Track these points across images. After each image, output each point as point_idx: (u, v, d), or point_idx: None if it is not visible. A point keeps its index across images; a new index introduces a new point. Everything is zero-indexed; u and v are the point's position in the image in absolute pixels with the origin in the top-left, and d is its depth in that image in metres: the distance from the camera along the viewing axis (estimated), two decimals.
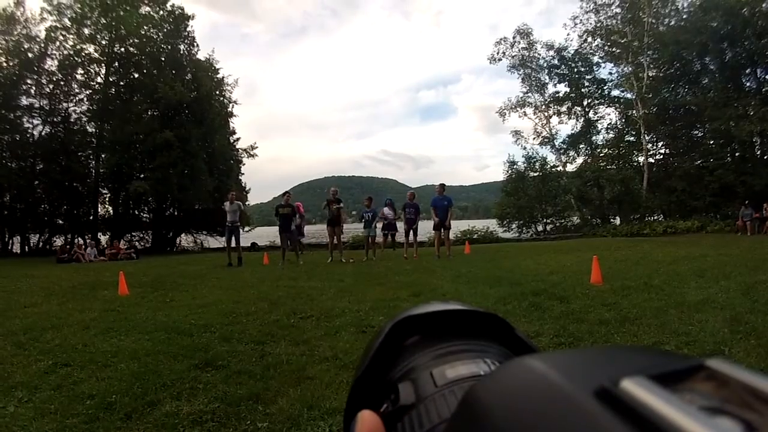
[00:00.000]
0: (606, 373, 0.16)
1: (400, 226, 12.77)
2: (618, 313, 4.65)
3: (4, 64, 23.17)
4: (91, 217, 24.37)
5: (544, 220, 27.10)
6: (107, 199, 24.99)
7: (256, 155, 27.75)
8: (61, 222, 24.43)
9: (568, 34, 28.54)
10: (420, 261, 11.08)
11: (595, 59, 27.24)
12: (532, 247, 15.02)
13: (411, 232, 12.38)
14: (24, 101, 23.67)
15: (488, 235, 22.07)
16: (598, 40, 26.37)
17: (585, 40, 26.76)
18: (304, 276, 8.79)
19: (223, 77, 26.30)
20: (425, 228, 13.29)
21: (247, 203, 27.17)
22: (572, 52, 27.27)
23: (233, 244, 11.80)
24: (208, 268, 11.13)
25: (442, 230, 12.06)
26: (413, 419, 0.23)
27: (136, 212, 25.12)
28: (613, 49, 25.81)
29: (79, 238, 23.27)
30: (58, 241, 23.44)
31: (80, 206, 24.55)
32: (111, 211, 24.83)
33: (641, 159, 25.69)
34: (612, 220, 25.74)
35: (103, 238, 22.88)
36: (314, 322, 4.94)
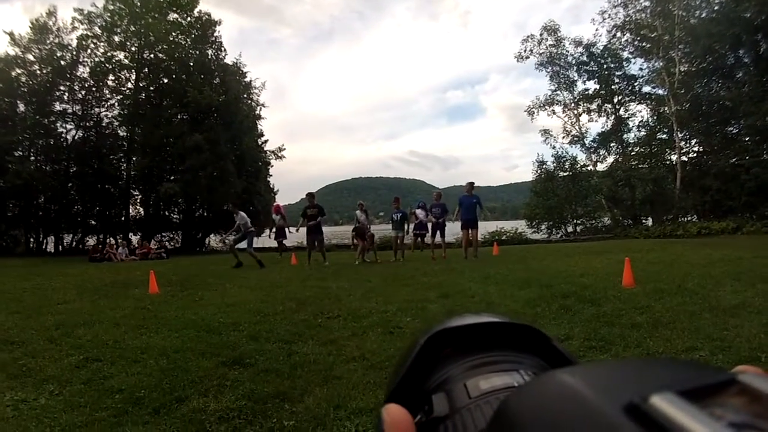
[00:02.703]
0: (636, 388, 0.16)
1: (429, 227, 12.71)
2: (650, 317, 4.50)
3: (39, 72, 24.04)
4: (123, 218, 24.98)
5: (574, 221, 26.48)
6: (138, 201, 25.58)
7: (284, 157, 28.01)
8: (93, 222, 25.12)
9: (596, 30, 27.80)
10: (448, 262, 10.94)
11: (625, 55, 26.40)
12: (562, 249, 14.69)
13: (438, 232, 12.28)
14: (58, 107, 24.52)
15: (517, 236, 21.72)
16: (628, 34, 25.59)
17: (614, 35, 26.00)
18: (331, 276, 8.79)
19: (250, 81, 26.62)
20: (453, 229, 13.15)
21: (275, 204, 27.68)
22: (601, 47, 26.51)
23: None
24: (237, 269, 11.22)
25: (470, 230, 11.91)
26: (447, 430, 0.24)
27: (167, 213, 25.61)
28: (643, 44, 25.04)
29: (111, 238, 23.89)
30: (91, 241, 24.12)
31: (112, 207, 25.22)
32: (142, 212, 25.39)
33: (674, 157, 24.85)
34: (644, 221, 24.99)
35: (134, 238, 23.41)
36: (341, 322, 4.93)
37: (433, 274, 8.63)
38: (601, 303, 5.22)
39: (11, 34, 23.65)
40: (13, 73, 23.89)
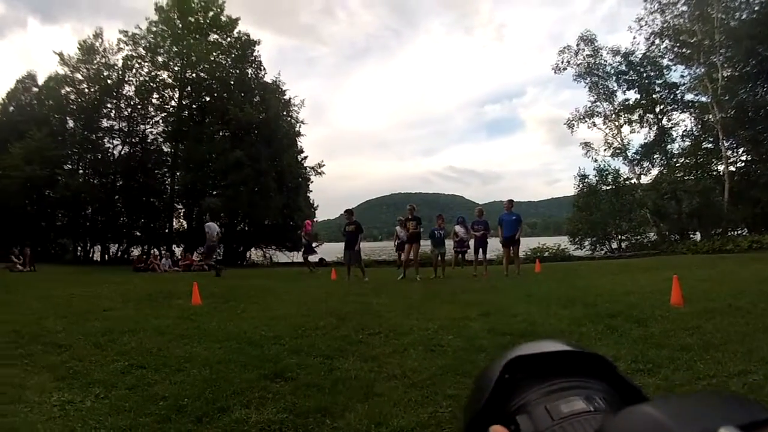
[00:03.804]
0: (707, 421, 0.19)
1: (471, 243, 12.52)
2: (701, 338, 4.30)
3: (87, 90, 25.41)
4: (167, 230, 25.76)
5: (619, 237, 25.59)
6: (182, 214, 26.31)
7: (324, 173, 28.05)
8: (138, 234, 25.99)
9: (634, 38, 26.83)
10: (489, 279, 10.77)
11: (665, 62, 25.44)
12: (607, 266, 14.25)
13: (480, 249, 12.10)
14: (105, 123, 25.82)
15: (560, 253, 21.18)
16: (666, 41, 24.73)
17: (652, 43, 25.11)
18: (371, 292, 8.76)
19: (290, 98, 27.03)
20: (493, 245, 12.92)
21: (315, 220, 28.16)
22: (640, 56, 25.65)
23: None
24: (278, 282, 11.34)
25: (512, 247, 11.73)
26: None
27: None
28: (683, 50, 24.13)
29: (155, 249, 24.63)
30: (135, 252, 24.90)
31: (156, 220, 26.08)
32: (185, 225, 26.04)
33: (721, 168, 23.76)
34: (691, 235, 23.93)
35: (177, 250, 24.10)
36: (382, 339, 4.90)
37: (474, 291, 8.49)
38: (649, 323, 5.02)
39: (61, 55, 25.18)
40: (63, 91, 25.38)
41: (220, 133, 24.33)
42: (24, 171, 21.43)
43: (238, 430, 2.84)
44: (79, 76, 25.48)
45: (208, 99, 25.61)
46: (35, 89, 26.59)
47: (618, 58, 26.30)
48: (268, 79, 26.57)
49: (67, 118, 25.83)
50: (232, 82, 25.51)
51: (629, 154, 26.31)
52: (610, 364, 0.33)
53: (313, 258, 16.06)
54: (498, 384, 0.32)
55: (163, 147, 26.39)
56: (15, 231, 21.74)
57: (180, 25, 25.22)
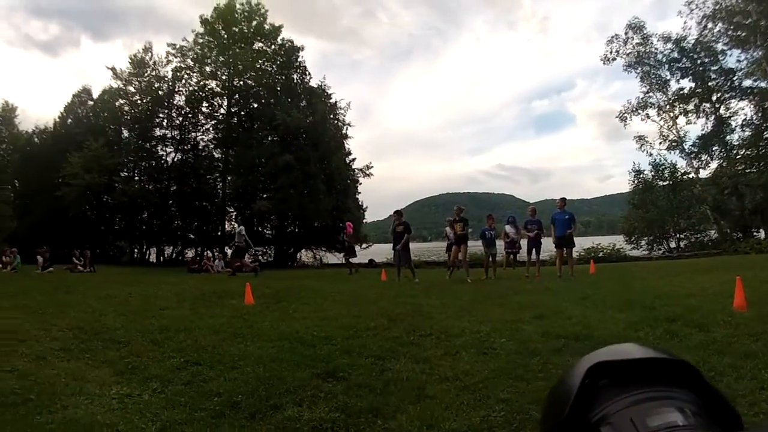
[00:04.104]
0: None
1: (522, 243, 12.28)
2: (766, 345, 4.03)
3: (139, 102, 26.80)
4: (219, 233, 26.60)
5: (677, 236, 24.50)
6: (233, 217, 27.09)
7: (372, 174, 28.35)
8: (191, 236, 27.07)
9: (685, 23, 25.04)
10: (541, 281, 10.45)
11: (719, 47, 23.94)
12: (665, 267, 13.64)
13: (533, 250, 11.78)
14: (158, 132, 27.21)
15: (615, 253, 20.40)
16: (720, 24, 23.27)
17: (705, 27, 23.71)
18: (422, 293, 8.68)
19: (335, 102, 27.44)
20: (546, 246, 12.54)
21: (364, 221, 28.74)
22: (692, 41, 24.28)
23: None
24: (328, 283, 11.41)
25: (565, 248, 11.40)
26: None
27: (260, 229, 26.76)
28: (738, 33, 22.67)
29: (208, 251, 25.51)
30: (189, 253, 25.92)
31: (209, 223, 27.05)
32: (236, 227, 26.95)
33: None
34: (755, 233, 22.55)
35: (229, 252, 24.91)
36: (434, 341, 4.84)
37: (527, 293, 8.28)
38: (710, 328, 4.75)
39: (113, 69, 26.72)
40: (117, 103, 26.91)
41: (269, 138, 24.98)
42: (83, 179, 22.82)
43: (290, 427, 2.87)
44: (131, 88, 26.92)
45: (255, 105, 26.35)
46: (91, 102, 28.27)
47: (669, 45, 24.98)
48: (313, 83, 27.14)
49: (122, 128, 27.34)
50: (278, 88, 26.13)
51: (686, 147, 24.92)
52: (697, 372, 0.31)
53: (354, 260, 16.20)
54: (580, 392, 0.30)
55: (214, 153, 27.41)
56: (76, 235, 23.12)
57: (225, 36, 26.09)
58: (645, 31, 25.24)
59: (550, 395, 0.33)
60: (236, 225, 15.23)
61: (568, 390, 0.31)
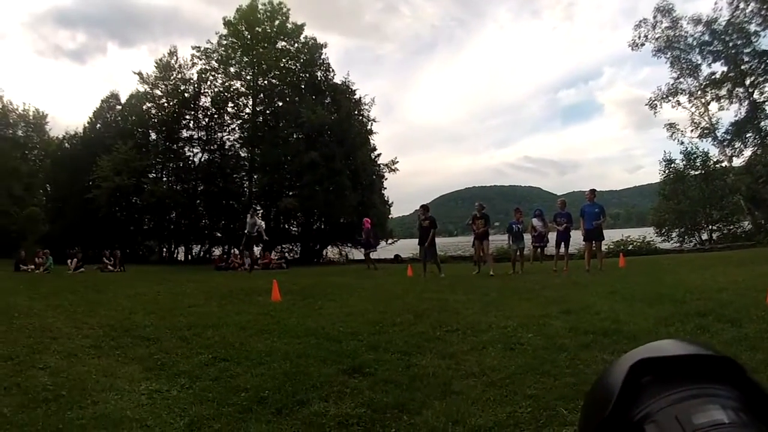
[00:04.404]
0: None
1: (550, 237, 12.12)
2: None
3: (166, 104, 27.29)
4: (246, 230, 27.02)
5: (709, 227, 23.78)
6: (260, 215, 27.54)
7: (397, 170, 28.16)
8: (219, 235, 27.38)
9: (715, 3, 23.97)
10: (569, 275, 10.28)
11: (753, 27, 22.85)
12: (697, 259, 13.29)
13: (562, 243, 11.60)
14: (185, 134, 27.67)
15: (645, 246, 19.93)
16: (752, 3, 22.30)
17: (737, 7, 22.72)
18: (447, 289, 8.67)
19: (360, 98, 27.33)
20: (575, 239, 12.33)
21: (389, 216, 28.88)
22: (723, 23, 23.31)
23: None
24: (354, 279, 11.47)
25: (594, 241, 11.20)
26: None
27: (286, 226, 27.07)
28: None
29: (235, 249, 25.88)
30: (216, 251, 26.30)
31: (236, 221, 27.26)
32: (263, 225, 27.28)
33: None
34: None
35: (256, 249, 25.24)
36: (460, 336, 4.82)
37: (554, 287, 8.16)
38: (743, 323, 4.63)
39: (140, 74, 27.26)
40: (144, 107, 27.46)
41: (294, 136, 25.09)
42: (113, 181, 23.41)
43: (316, 422, 2.89)
44: (158, 92, 27.40)
45: (280, 104, 26.53)
46: (119, 107, 28.96)
47: (700, 28, 24.00)
48: (337, 80, 27.12)
49: (150, 131, 27.88)
50: (302, 86, 26.27)
51: (719, 135, 24.05)
52: (741, 368, 0.30)
53: (374, 254, 16.25)
54: (624, 389, 0.30)
55: (240, 152, 27.71)
56: (106, 235, 23.70)
57: (248, 36, 26.31)
58: (674, 14, 24.36)
59: (591, 393, 0.32)
60: (249, 216, 15.21)
61: (611, 388, 0.30)
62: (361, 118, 27.07)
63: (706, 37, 23.88)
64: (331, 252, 27.12)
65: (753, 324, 4.56)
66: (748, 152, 23.68)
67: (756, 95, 23.33)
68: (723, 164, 24.07)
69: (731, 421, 0.27)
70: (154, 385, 3.57)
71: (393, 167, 27.83)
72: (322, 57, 26.91)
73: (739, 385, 0.29)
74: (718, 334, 4.34)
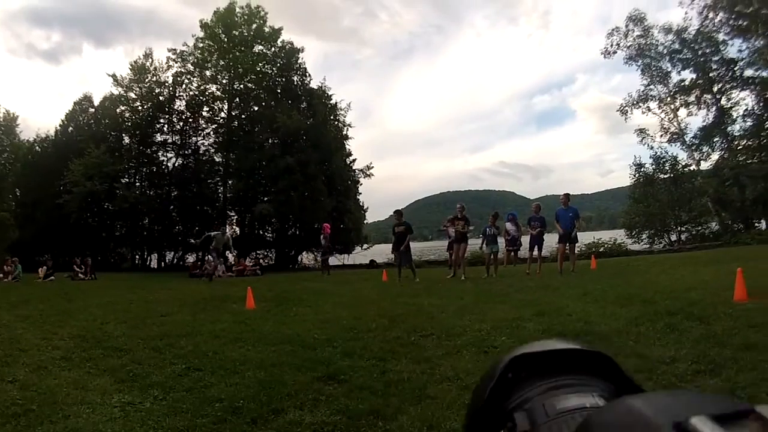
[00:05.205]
0: (682, 411, 0.22)
1: (524, 240, 12.32)
2: (766, 336, 4.03)
3: (140, 108, 26.86)
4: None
5: (678, 229, 24.40)
6: (234, 221, 27.05)
7: (373, 175, 28.14)
8: (192, 241, 27.05)
9: (686, 13, 24.74)
10: (543, 277, 10.46)
11: (721, 36, 23.77)
12: (666, 260, 13.63)
13: (536, 246, 11.80)
14: (159, 138, 27.18)
15: (616, 248, 20.37)
16: (721, 14, 23.12)
17: (706, 17, 23.56)
18: (423, 293, 8.72)
19: (336, 103, 27.36)
20: (549, 242, 12.57)
21: (365, 222, 28.78)
22: (693, 32, 24.14)
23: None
24: (330, 285, 11.48)
25: (567, 244, 11.40)
26: None
27: (261, 232, 26.80)
28: (740, 22, 22.52)
29: (209, 256, 25.55)
30: (190, 258, 25.89)
31: (210, 227, 26.93)
32: (238, 231, 26.69)
33: None
34: (756, 224, 22.53)
35: (231, 256, 24.90)
36: (435, 341, 4.86)
37: (528, 290, 8.29)
38: (711, 321, 4.76)
39: (114, 76, 26.80)
40: (118, 110, 26.97)
41: (270, 141, 24.92)
42: (85, 186, 22.88)
43: (292, 431, 2.88)
44: (132, 94, 26.96)
45: (256, 108, 26.33)
46: (92, 109, 28.25)
47: (670, 37, 24.82)
48: (313, 85, 27.09)
49: (123, 134, 27.35)
50: (278, 91, 26.15)
51: (687, 139, 24.88)
52: (613, 362, 0.33)
53: (333, 260, 16.33)
54: (499, 382, 0.33)
55: (215, 157, 27.38)
56: (77, 242, 23.19)
57: (225, 39, 26.06)
58: (646, 23, 25.10)
59: (475, 386, 0.35)
60: (221, 233, 15.09)
61: (489, 381, 0.33)
62: (337, 123, 27.10)
63: (676, 46, 24.70)
64: (306, 258, 26.90)
65: (721, 321, 4.69)
66: (715, 156, 24.59)
67: (723, 101, 24.23)
68: (691, 168, 24.85)
69: (592, 405, 0.29)
70: (127, 398, 3.51)
71: (368, 172, 27.86)
72: (299, 62, 26.88)
73: (610, 377, 0.32)
74: (687, 332, 4.44)
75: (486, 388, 0.33)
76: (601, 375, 0.32)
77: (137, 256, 27.49)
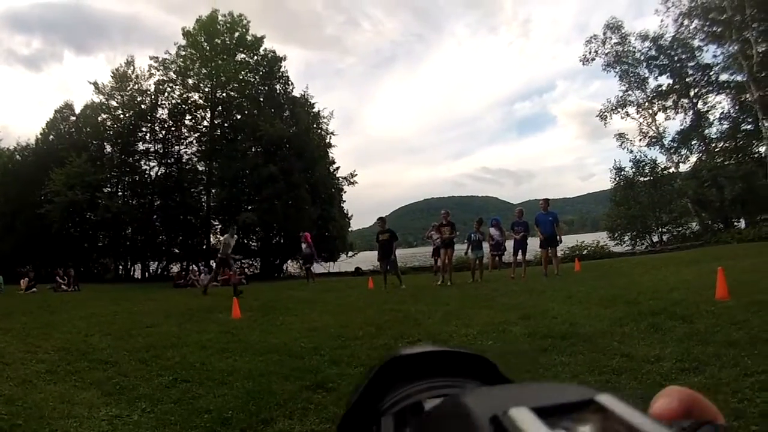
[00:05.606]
0: (506, 403, 0.20)
1: (508, 245, 12.44)
2: (748, 333, 4.11)
3: (122, 116, 26.61)
4: (204, 246, 26.25)
5: (660, 230, 24.90)
6: (218, 230, 26.83)
7: (356, 182, 28.27)
8: (177, 251, 26.76)
9: (662, 21, 25.42)
10: (527, 281, 10.57)
11: (696, 43, 24.53)
12: (648, 261, 13.86)
13: (519, 251, 11.95)
14: (141, 147, 26.91)
15: (599, 250, 20.62)
16: (696, 21, 23.82)
17: (681, 24, 24.27)
18: (410, 300, 8.74)
19: (318, 111, 27.45)
20: (532, 246, 12.73)
21: (349, 229, 28.89)
22: (669, 39, 24.84)
23: None
24: (315, 293, 11.42)
25: (549, 248, 11.56)
26: None
27: (245, 241, 26.57)
28: (714, 28, 23.19)
29: (194, 265, 25.22)
30: (175, 268, 25.51)
31: (194, 236, 26.74)
32: (222, 240, 26.69)
33: (762, 149, 22.72)
34: (736, 223, 23.01)
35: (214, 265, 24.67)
36: None
37: (513, 294, 8.36)
38: (694, 319, 4.85)
39: (95, 84, 26.52)
40: (100, 118, 26.65)
41: (253, 149, 24.84)
42: (66, 196, 22.52)
43: None
44: (114, 103, 26.72)
45: (239, 117, 26.27)
46: (73, 118, 27.88)
47: (647, 44, 25.55)
48: (296, 93, 27.15)
49: (105, 143, 27.06)
50: (261, 99, 26.13)
51: (666, 143, 25.51)
52: (493, 365, 0.33)
53: (315, 268, 16.53)
54: (370, 383, 0.32)
55: (198, 166, 27.22)
56: (59, 253, 22.77)
57: (208, 48, 26.02)
58: (623, 31, 25.76)
59: (353, 388, 0.34)
60: (229, 235, 14.87)
61: (362, 383, 0.32)
62: (320, 131, 27.15)
63: (653, 52, 25.36)
64: (291, 266, 26.80)
65: (703, 320, 4.78)
66: (693, 158, 25.25)
67: (700, 105, 24.95)
68: (670, 170, 25.43)
69: None
70: (114, 410, 3.46)
71: (352, 180, 27.95)
72: (282, 70, 26.89)
73: (489, 380, 0.32)
74: (671, 331, 4.50)
75: (358, 389, 0.32)
76: (481, 378, 0.32)
77: (120, 267, 27.14)
